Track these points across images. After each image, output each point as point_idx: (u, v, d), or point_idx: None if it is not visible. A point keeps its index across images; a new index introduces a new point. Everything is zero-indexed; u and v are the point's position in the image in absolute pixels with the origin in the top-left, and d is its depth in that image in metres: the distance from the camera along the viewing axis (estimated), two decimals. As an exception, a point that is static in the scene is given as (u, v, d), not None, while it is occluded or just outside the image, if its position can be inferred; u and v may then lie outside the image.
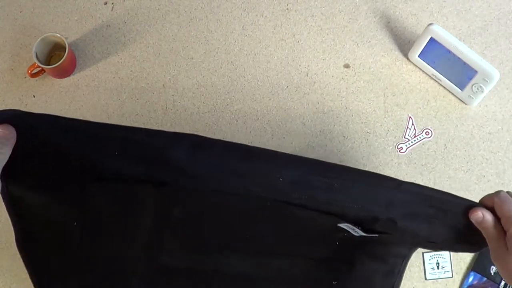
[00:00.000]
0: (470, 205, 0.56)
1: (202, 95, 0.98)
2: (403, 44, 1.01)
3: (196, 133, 0.59)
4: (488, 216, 0.54)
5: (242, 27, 1.04)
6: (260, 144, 0.92)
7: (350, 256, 0.66)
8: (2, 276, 0.86)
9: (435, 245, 0.62)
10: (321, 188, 0.58)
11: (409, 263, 0.68)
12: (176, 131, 0.59)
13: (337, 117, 0.96)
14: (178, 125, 0.95)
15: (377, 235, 0.60)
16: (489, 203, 0.56)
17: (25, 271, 0.87)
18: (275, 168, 0.59)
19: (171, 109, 0.97)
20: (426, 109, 0.96)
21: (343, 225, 0.60)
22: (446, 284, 0.85)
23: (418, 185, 0.59)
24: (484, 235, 0.55)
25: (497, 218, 0.54)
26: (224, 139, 0.59)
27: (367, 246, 0.65)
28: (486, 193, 0.57)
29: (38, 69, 0.97)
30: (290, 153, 0.61)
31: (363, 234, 0.60)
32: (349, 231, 0.61)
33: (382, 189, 0.58)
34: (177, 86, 0.99)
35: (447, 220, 0.58)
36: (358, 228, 0.60)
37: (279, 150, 0.61)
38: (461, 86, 0.93)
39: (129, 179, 0.59)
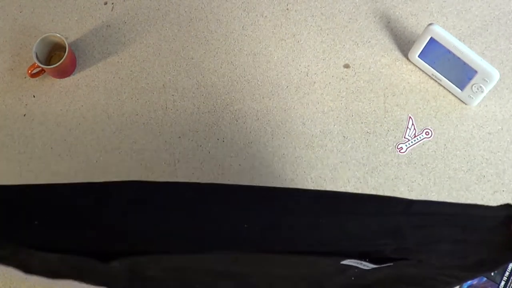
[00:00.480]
0: (509, 216, 0.46)
1: (202, 95, 0.98)
2: (403, 44, 1.01)
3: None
4: None
5: (242, 27, 1.04)
6: (260, 144, 0.92)
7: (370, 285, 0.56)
8: (2, 276, 0.86)
9: (467, 269, 0.51)
10: (302, 229, 0.46)
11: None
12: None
13: (337, 117, 0.96)
14: (178, 125, 0.95)
15: (391, 263, 0.50)
16: None
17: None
18: (236, 212, 0.46)
19: (171, 109, 0.97)
20: (426, 109, 0.96)
21: (347, 262, 0.49)
22: (446, 284, 0.85)
23: (433, 202, 0.47)
24: None
25: None
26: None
27: (386, 275, 0.54)
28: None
29: (38, 69, 0.97)
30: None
31: (374, 266, 0.50)
32: (357, 266, 0.50)
33: (386, 216, 0.47)
34: (177, 86, 0.99)
35: (478, 237, 0.47)
36: (365, 261, 0.49)
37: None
38: (461, 86, 0.93)
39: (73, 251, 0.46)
